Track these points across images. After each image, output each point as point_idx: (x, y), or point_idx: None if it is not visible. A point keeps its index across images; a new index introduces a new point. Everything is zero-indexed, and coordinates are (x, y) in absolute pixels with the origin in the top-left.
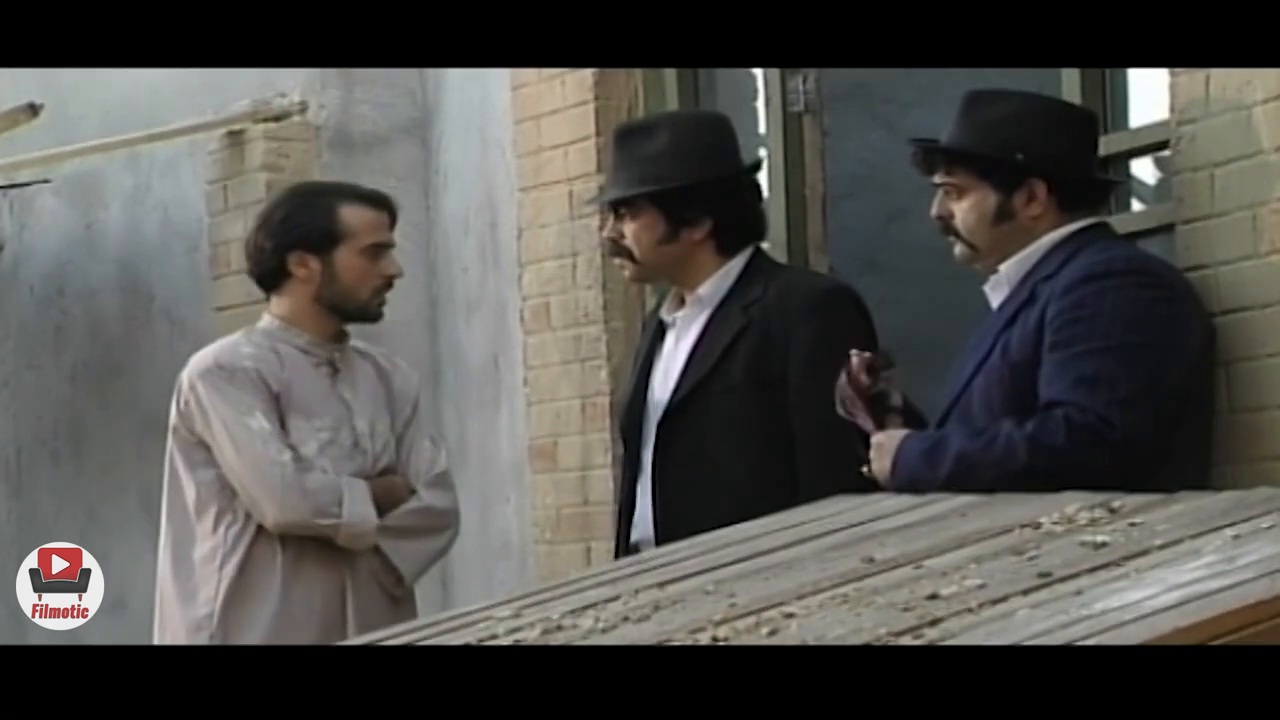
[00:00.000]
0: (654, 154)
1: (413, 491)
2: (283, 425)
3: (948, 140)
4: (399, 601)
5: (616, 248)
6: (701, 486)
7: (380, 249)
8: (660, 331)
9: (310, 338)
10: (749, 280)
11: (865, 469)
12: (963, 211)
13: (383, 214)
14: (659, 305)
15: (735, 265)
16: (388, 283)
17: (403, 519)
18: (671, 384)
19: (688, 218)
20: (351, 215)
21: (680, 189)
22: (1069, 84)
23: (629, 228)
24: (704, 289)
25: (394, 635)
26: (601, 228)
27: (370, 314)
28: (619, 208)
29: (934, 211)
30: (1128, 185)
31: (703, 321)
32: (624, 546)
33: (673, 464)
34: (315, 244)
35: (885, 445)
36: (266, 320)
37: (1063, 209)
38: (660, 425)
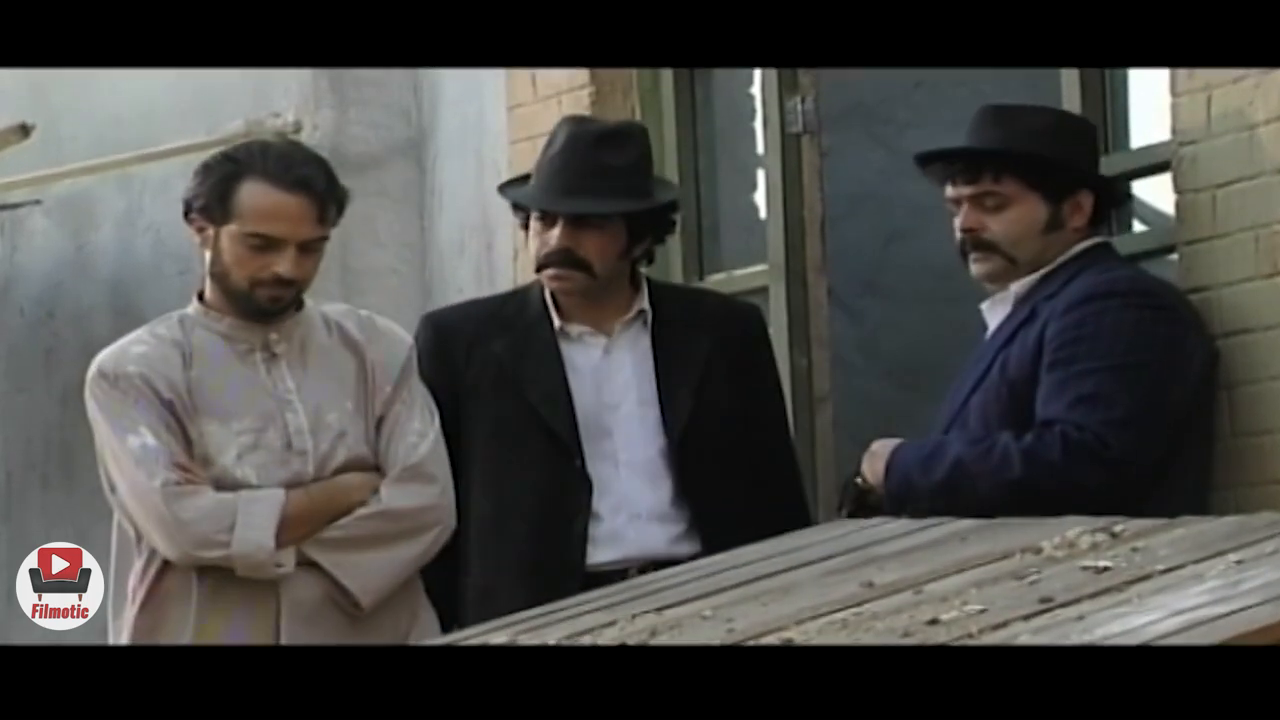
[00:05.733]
0: (627, 166)
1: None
2: (185, 434)
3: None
4: (368, 620)
5: (569, 257)
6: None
7: (271, 242)
8: (551, 339)
9: (232, 320)
10: (659, 297)
11: (859, 479)
12: (1006, 223)
13: (296, 203)
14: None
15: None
16: (276, 281)
17: (350, 529)
18: (635, 405)
19: (643, 236)
20: (250, 194)
21: (660, 208)
22: (1069, 103)
23: (592, 239)
24: (634, 308)
25: None
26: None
27: (254, 306)
28: (581, 219)
29: (962, 224)
30: (1129, 206)
31: (646, 343)
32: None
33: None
34: (209, 212)
35: (879, 452)
36: (193, 302)
37: (1093, 222)
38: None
